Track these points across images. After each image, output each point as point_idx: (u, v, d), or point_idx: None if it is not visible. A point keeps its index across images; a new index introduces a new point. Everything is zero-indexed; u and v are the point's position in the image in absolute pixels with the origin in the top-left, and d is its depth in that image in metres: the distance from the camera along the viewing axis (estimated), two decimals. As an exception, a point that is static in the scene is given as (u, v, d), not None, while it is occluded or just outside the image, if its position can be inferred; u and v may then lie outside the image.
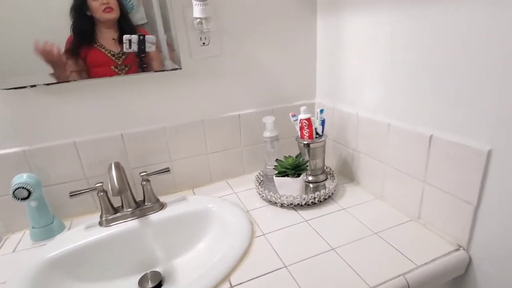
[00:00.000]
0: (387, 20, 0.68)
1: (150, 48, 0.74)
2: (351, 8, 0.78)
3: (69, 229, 0.78)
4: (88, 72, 0.72)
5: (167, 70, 0.78)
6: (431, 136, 0.62)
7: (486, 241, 0.57)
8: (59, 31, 0.68)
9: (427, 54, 0.60)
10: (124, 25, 0.72)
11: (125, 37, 0.72)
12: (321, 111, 0.84)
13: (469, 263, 0.61)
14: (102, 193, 0.74)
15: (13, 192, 0.68)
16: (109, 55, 0.73)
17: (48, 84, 0.70)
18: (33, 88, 0.70)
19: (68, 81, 0.71)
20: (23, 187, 0.68)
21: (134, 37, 0.73)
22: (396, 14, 0.65)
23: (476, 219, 0.58)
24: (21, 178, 0.70)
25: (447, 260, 0.59)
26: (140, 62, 0.75)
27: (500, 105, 0.50)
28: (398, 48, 0.67)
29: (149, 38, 0.74)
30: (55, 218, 0.76)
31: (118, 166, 0.69)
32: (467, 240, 0.60)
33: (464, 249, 0.61)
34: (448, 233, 0.63)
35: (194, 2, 0.73)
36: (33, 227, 0.73)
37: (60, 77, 0.70)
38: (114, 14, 0.70)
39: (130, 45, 0.73)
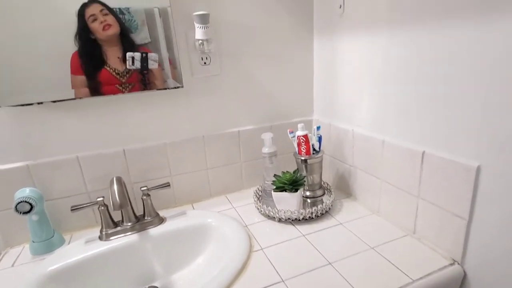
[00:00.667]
0: (381, 42, 0.71)
1: (152, 65, 0.78)
2: (347, 30, 0.82)
3: (69, 243, 0.78)
4: (97, 90, 0.75)
5: (169, 88, 0.81)
6: (423, 153, 0.64)
7: (479, 255, 0.58)
8: (64, 49, 0.71)
9: (418, 75, 0.64)
10: (128, 44, 0.75)
11: (128, 54, 0.75)
12: (318, 127, 0.87)
13: (464, 277, 0.61)
14: (103, 207, 0.75)
15: (16, 206, 0.69)
16: (113, 73, 0.76)
17: (54, 102, 0.73)
18: (40, 105, 0.73)
19: (74, 99, 0.73)
20: (25, 201, 0.69)
21: (137, 55, 0.76)
22: (389, 37, 0.69)
23: (469, 234, 0.59)
24: (24, 192, 0.72)
25: (442, 274, 0.60)
26: (143, 80, 0.78)
27: (488, 123, 0.52)
28: (391, 68, 0.70)
29: (152, 55, 0.77)
30: (55, 232, 0.77)
31: (119, 181, 0.70)
32: (461, 255, 0.61)
33: (458, 264, 0.62)
34: (443, 247, 0.65)
35: (197, 25, 0.77)
36: (33, 241, 0.74)
37: (68, 95, 0.73)
38: (114, 30, 0.73)
39: (133, 62, 0.76)
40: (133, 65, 0.76)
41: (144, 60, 0.77)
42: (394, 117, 0.72)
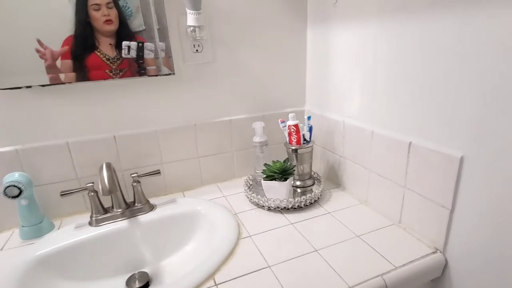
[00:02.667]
0: (371, 33, 0.72)
1: (148, 55, 0.77)
2: (339, 22, 0.82)
3: (58, 228, 0.79)
4: (85, 74, 0.74)
5: (160, 75, 0.81)
6: (410, 143, 0.65)
7: (461, 244, 0.60)
8: (57, 32, 0.70)
9: (406, 66, 0.64)
10: (122, 32, 0.75)
11: (124, 43, 0.75)
12: (309, 117, 0.87)
13: (445, 265, 0.63)
14: (92, 193, 0.75)
15: (4, 190, 0.69)
16: (104, 59, 0.75)
17: (43, 86, 0.72)
18: (28, 88, 0.72)
19: (63, 83, 0.73)
20: (14, 185, 0.69)
21: (133, 44, 0.75)
22: (379, 28, 0.69)
23: (452, 223, 0.60)
24: (13, 176, 0.72)
25: (424, 262, 0.61)
26: (138, 68, 0.78)
27: (472, 114, 0.53)
28: (380, 59, 0.70)
29: (148, 45, 0.76)
30: (44, 218, 0.77)
31: (109, 167, 0.70)
32: (443, 243, 0.62)
33: (441, 252, 0.63)
34: (426, 236, 0.66)
35: (188, 11, 0.76)
36: (22, 226, 0.74)
37: (55, 79, 0.72)
38: (114, 27, 0.73)
39: (129, 51, 0.75)
40: (129, 54, 0.75)
41: (140, 49, 0.76)
42: (383, 108, 0.72)
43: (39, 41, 0.69)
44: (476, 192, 0.55)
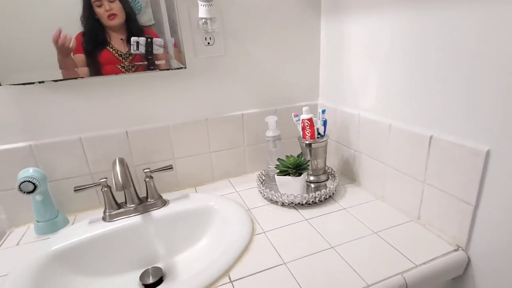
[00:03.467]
0: (389, 23, 0.69)
1: (157, 50, 0.76)
2: (354, 12, 0.79)
3: (73, 223, 0.79)
4: (97, 70, 0.74)
5: (172, 69, 0.80)
6: (431, 137, 0.63)
7: (484, 241, 0.57)
8: (67, 29, 0.69)
9: (427, 57, 0.61)
10: (132, 26, 0.74)
11: (133, 39, 0.74)
12: (323, 111, 0.85)
13: (468, 263, 0.61)
14: (106, 189, 0.75)
15: (19, 186, 0.69)
16: (116, 54, 0.74)
17: (56, 81, 0.72)
18: (41, 84, 0.72)
19: (76, 78, 0.72)
20: (29, 181, 0.69)
21: (142, 40, 0.74)
22: (397, 17, 0.66)
23: (475, 220, 0.58)
24: (27, 172, 0.72)
25: (445, 260, 0.59)
26: (148, 63, 0.77)
27: (499, 106, 0.50)
28: (398, 50, 0.68)
29: (157, 41, 0.75)
30: (59, 213, 0.77)
31: (122, 162, 0.70)
32: (466, 241, 0.60)
33: (463, 250, 0.61)
34: (447, 233, 0.64)
35: (200, 3, 0.75)
36: (37, 221, 0.75)
37: (69, 74, 0.72)
38: (118, 20, 0.72)
39: (137, 47, 0.75)
40: (138, 50, 0.75)
41: (149, 45, 0.75)
42: (401, 101, 0.70)
43: (59, 30, 0.68)
44: (502, 188, 0.52)
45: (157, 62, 0.77)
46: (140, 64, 0.76)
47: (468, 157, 0.56)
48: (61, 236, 0.72)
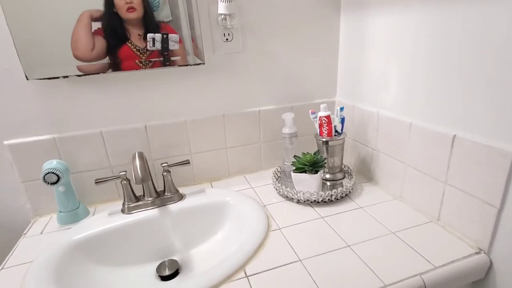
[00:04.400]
0: (412, 18, 0.67)
1: (173, 46, 0.77)
2: (376, 6, 0.77)
3: (93, 214, 0.81)
4: (117, 65, 0.75)
5: (190, 65, 0.80)
6: (454, 136, 0.61)
7: (508, 245, 0.56)
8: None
9: (452, 54, 0.59)
10: (149, 22, 0.74)
11: (149, 35, 0.75)
12: (341, 109, 0.84)
13: (489, 267, 0.59)
14: (125, 182, 0.77)
15: (44, 177, 0.72)
16: (134, 50, 0.75)
17: (79, 76, 0.73)
18: (65, 78, 0.74)
19: (98, 73, 0.74)
20: (53, 172, 0.72)
21: (158, 36, 0.75)
22: (422, 12, 0.64)
23: (499, 222, 0.56)
24: (51, 164, 0.74)
25: (466, 263, 0.58)
26: (163, 60, 0.77)
27: (529, 105, 0.49)
28: (422, 46, 0.66)
29: (173, 37, 0.76)
30: (80, 204, 0.80)
31: (141, 156, 0.71)
32: (488, 244, 0.58)
33: (485, 253, 0.59)
34: (469, 235, 0.62)
35: (219, -1, 0.75)
36: (60, 211, 0.77)
37: (91, 69, 0.74)
38: (137, 14, 0.73)
39: (153, 43, 0.75)
40: (154, 46, 0.75)
41: (165, 41, 0.76)
42: (423, 99, 0.68)
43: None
44: (530, 190, 0.51)
45: (172, 58, 0.78)
46: (156, 60, 0.77)
47: (493, 158, 0.54)
48: (82, 226, 0.74)
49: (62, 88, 0.76)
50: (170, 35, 0.76)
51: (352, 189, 0.84)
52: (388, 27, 0.74)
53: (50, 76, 0.71)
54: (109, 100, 0.80)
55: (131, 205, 0.77)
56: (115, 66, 0.75)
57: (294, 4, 0.87)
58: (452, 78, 0.60)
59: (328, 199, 0.79)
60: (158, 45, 0.76)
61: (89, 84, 0.77)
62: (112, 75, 0.78)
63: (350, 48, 0.91)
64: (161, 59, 0.77)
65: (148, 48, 0.75)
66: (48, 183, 0.72)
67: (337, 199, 0.80)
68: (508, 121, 0.52)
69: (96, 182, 0.75)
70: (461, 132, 0.60)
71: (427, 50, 0.65)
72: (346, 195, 0.82)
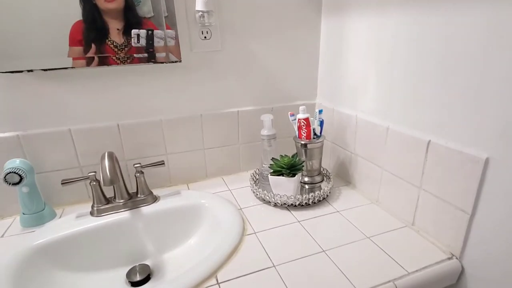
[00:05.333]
0: (391, 24, 0.67)
1: (158, 43, 0.74)
2: (356, 11, 0.77)
3: (60, 217, 0.77)
4: (92, 61, 0.71)
5: (166, 62, 0.78)
6: (428, 142, 0.61)
7: (479, 251, 0.56)
8: (66, 16, 0.67)
9: (429, 61, 0.59)
10: (130, 16, 0.71)
11: (134, 31, 0.72)
12: (320, 111, 0.83)
13: (461, 273, 0.59)
14: (94, 183, 0.73)
15: (5, 177, 0.67)
16: (111, 46, 0.72)
17: (45, 70, 0.69)
18: (30, 73, 0.70)
19: (66, 68, 0.70)
20: (15, 172, 0.67)
21: (143, 32, 0.73)
22: (400, 19, 0.64)
23: (471, 228, 0.57)
24: (14, 163, 0.70)
25: (438, 268, 0.58)
26: (148, 56, 0.75)
27: (500, 113, 0.49)
28: (399, 52, 0.66)
29: (158, 33, 0.73)
30: (46, 205, 0.75)
31: (111, 156, 0.68)
32: (460, 249, 0.59)
33: (457, 258, 0.59)
34: (442, 241, 0.62)
35: (197, -5, 0.72)
36: (23, 213, 0.73)
37: (62, 63, 0.70)
38: (116, 4, 0.70)
39: (138, 39, 0.73)
40: (139, 42, 0.73)
41: (150, 37, 0.73)
42: (400, 104, 0.68)
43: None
44: (500, 197, 0.51)
45: (158, 55, 0.75)
46: (135, 56, 0.74)
47: (466, 164, 0.55)
48: (47, 229, 0.70)
49: (26, 82, 0.71)
50: (155, 31, 0.73)
51: (330, 192, 0.83)
52: (367, 32, 0.74)
53: (13, 70, 0.67)
54: (78, 97, 0.76)
55: (101, 208, 0.74)
56: (90, 61, 0.71)
57: (275, 4, 0.85)
58: (427, 85, 0.61)
59: (306, 203, 0.78)
60: (142, 41, 0.73)
61: (57, 79, 0.73)
62: (82, 70, 0.74)
63: (330, 50, 0.90)
64: (145, 55, 0.75)
65: (133, 44, 0.73)
66: (10, 184, 0.68)
67: (315, 202, 0.79)
68: (481, 128, 0.52)
69: (62, 183, 0.71)
70: (436, 138, 0.60)
71: (404, 56, 0.65)
72: (324, 198, 0.82)
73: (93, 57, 0.71)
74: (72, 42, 0.69)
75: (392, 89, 0.70)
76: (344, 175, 0.91)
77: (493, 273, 0.54)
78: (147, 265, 0.71)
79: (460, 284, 0.60)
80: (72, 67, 0.71)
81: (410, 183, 0.68)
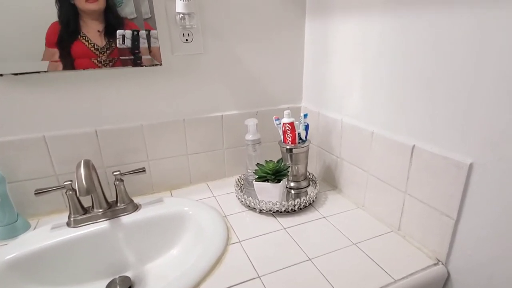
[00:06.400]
0: (375, 28, 0.66)
1: (144, 44, 0.72)
2: (340, 14, 0.76)
3: (34, 228, 0.73)
4: (69, 63, 0.69)
5: (146, 66, 0.75)
6: (413, 146, 0.61)
7: (464, 256, 0.56)
8: (43, 16, 0.64)
9: (413, 63, 0.59)
10: (111, 17, 0.69)
11: (119, 32, 0.70)
12: (305, 115, 0.82)
13: (447, 278, 0.59)
14: (70, 192, 0.70)
15: (-28, 188, 0.63)
16: (92, 48, 0.69)
17: (15, 74, 0.66)
18: (0, 77, 0.66)
19: (38, 72, 0.67)
20: (-17, 183, 0.63)
21: (128, 33, 0.70)
22: (384, 23, 0.64)
23: (456, 234, 0.56)
24: (-17, 173, 0.66)
25: (425, 274, 0.57)
26: (134, 58, 0.73)
27: (484, 119, 0.49)
28: (384, 56, 0.65)
29: (143, 33, 0.71)
30: (19, 217, 0.72)
31: (87, 164, 0.65)
32: (446, 255, 0.58)
33: (443, 264, 0.59)
34: (428, 246, 0.62)
35: (177, -4, 0.70)
36: (-6, 226, 0.69)
37: (36, 67, 0.67)
38: (98, 5, 0.67)
39: (123, 40, 0.70)
40: (124, 43, 0.70)
41: (136, 38, 0.70)
42: (385, 108, 0.67)
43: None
44: (484, 203, 0.51)
45: (143, 57, 0.73)
46: (120, 59, 0.71)
47: (450, 169, 0.54)
48: (20, 242, 0.66)
49: (-4, 87, 0.67)
50: (141, 32, 0.71)
51: (316, 198, 0.82)
52: (352, 35, 0.74)
53: (-20, 74, 0.63)
54: (54, 102, 0.72)
55: (78, 218, 0.70)
56: (68, 64, 0.68)
57: (259, 7, 0.84)
58: (412, 89, 0.60)
59: (292, 209, 0.77)
60: (128, 43, 0.71)
61: (30, 84, 0.69)
62: (56, 74, 0.71)
63: (315, 54, 0.89)
64: (131, 57, 0.72)
65: (118, 45, 0.70)
66: (-22, 195, 0.64)
67: (301, 208, 0.78)
68: (466, 133, 0.52)
69: (36, 193, 0.67)
70: (420, 143, 0.60)
71: (389, 60, 0.64)
72: (310, 204, 0.80)
73: (71, 60, 0.68)
74: (49, 44, 0.66)
75: (377, 93, 0.69)
76: (331, 180, 0.91)
77: (479, 279, 0.54)
78: (127, 277, 0.68)
79: (446, 289, 0.60)
80: (45, 71, 0.67)
81: (395, 188, 0.67)
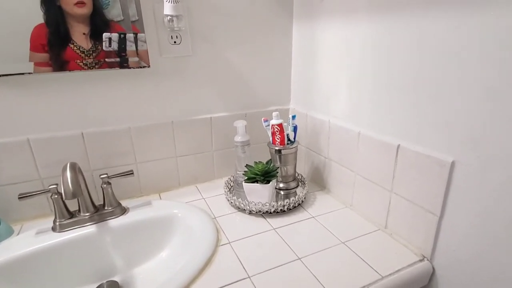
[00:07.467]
0: (360, 31, 0.68)
1: (131, 47, 0.71)
2: (326, 17, 0.78)
3: (18, 234, 0.71)
4: (57, 65, 0.68)
5: (134, 68, 0.75)
6: (398, 146, 0.62)
7: (449, 252, 0.57)
8: (27, 18, 0.63)
9: (396, 66, 0.61)
10: (97, 20, 0.68)
11: (105, 35, 0.69)
12: (293, 117, 0.83)
13: (432, 274, 0.61)
14: (56, 196, 0.68)
15: (-48, 193, 0.61)
16: (77, 51, 0.69)
17: (-1, 76, 0.64)
18: (-18, 79, 0.64)
19: (22, 74, 0.65)
20: (-36, 187, 0.61)
21: (115, 36, 0.70)
22: (368, 26, 0.66)
23: (440, 230, 0.58)
24: (-37, 177, 0.64)
25: (411, 270, 0.59)
26: (121, 60, 0.72)
27: (465, 119, 0.50)
28: (370, 57, 0.67)
29: (130, 36, 0.70)
30: (2, 222, 0.70)
31: (73, 167, 0.64)
32: (430, 251, 0.60)
33: (428, 260, 0.61)
34: (413, 243, 0.63)
35: (165, -2, 0.70)
36: (-25, 232, 0.67)
37: (21, 68, 0.66)
38: (86, 10, 0.67)
39: (110, 43, 0.69)
40: (110, 46, 0.69)
41: (122, 41, 0.70)
42: (370, 109, 0.69)
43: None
44: (467, 199, 0.52)
45: (130, 59, 0.73)
46: (106, 61, 0.71)
47: (433, 168, 0.56)
48: (2, 248, 0.65)
49: (-22, 89, 0.66)
50: (128, 34, 0.71)
51: (305, 198, 0.83)
52: (338, 38, 0.75)
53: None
54: (38, 104, 0.71)
55: (64, 222, 0.69)
56: (58, 68, 0.68)
57: (247, 10, 0.85)
58: (396, 91, 0.62)
59: (281, 210, 0.77)
60: (114, 45, 0.70)
61: (12, 85, 0.68)
62: (41, 76, 0.69)
63: (303, 56, 0.91)
64: (117, 60, 0.72)
65: (104, 48, 0.70)
66: (-42, 200, 0.62)
67: (290, 209, 0.78)
68: (448, 133, 0.54)
69: (19, 198, 0.65)
70: (405, 142, 0.61)
71: (373, 62, 0.66)
72: (299, 204, 0.81)
73: (57, 63, 0.67)
74: (34, 47, 0.65)
75: (363, 95, 0.71)
76: (319, 180, 0.92)
77: (463, 274, 0.56)
78: (115, 282, 0.67)
79: (432, 285, 0.62)
80: (29, 73, 0.66)
81: (382, 186, 0.68)
